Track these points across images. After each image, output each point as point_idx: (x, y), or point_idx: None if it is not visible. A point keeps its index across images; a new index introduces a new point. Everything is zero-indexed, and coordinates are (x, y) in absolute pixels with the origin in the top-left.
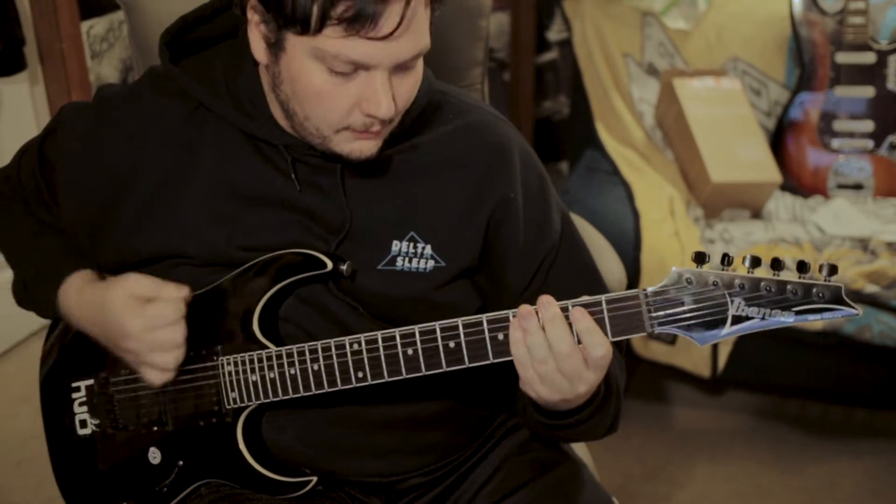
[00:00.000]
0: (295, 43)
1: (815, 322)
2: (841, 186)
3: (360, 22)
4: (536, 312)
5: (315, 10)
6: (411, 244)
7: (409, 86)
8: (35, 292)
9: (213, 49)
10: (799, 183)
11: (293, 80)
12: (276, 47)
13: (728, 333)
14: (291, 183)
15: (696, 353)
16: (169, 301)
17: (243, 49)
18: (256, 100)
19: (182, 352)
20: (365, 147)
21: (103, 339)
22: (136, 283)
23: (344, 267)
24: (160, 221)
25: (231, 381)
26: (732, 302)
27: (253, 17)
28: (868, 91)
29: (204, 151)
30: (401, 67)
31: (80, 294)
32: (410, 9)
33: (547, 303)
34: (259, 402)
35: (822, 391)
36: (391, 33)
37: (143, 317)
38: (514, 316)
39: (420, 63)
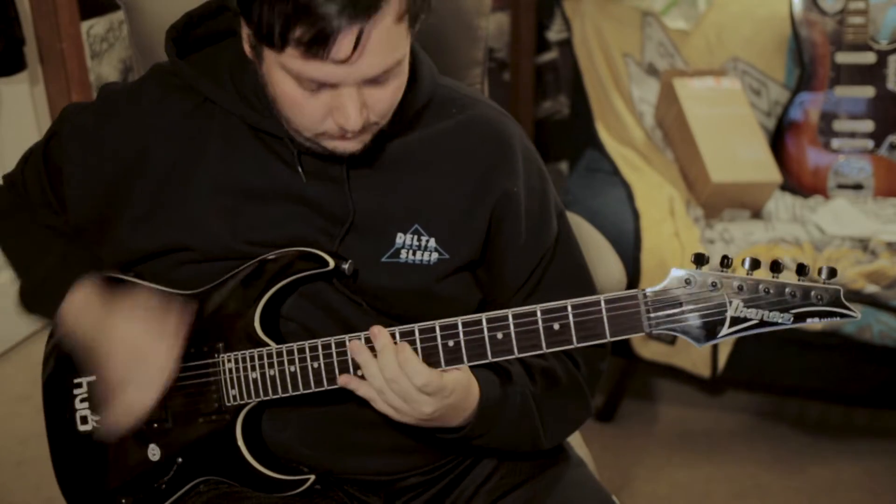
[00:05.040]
0: (268, 54)
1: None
2: (841, 186)
3: (316, 46)
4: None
5: (276, 30)
6: (415, 237)
7: (386, 95)
8: (46, 295)
9: (219, 45)
10: (799, 183)
11: (272, 86)
12: (256, 53)
13: (726, 335)
14: (297, 175)
15: (695, 353)
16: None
17: None
18: (261, 94)
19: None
20: (348, 146)
21: (95, 348)
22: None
23: (346, 266)
24: (166, 215)
25: (231, 379)
26: (731, 303)
27: (241, 23)
28: (868, 91)
29: (209, 145)
30: (373, 81)
31: (89, 300)
32: (368, 30)
33: (378, 333)
34: (259, 399)
35: (822, 391)
36: (347, 58)
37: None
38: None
39: (400, 73)
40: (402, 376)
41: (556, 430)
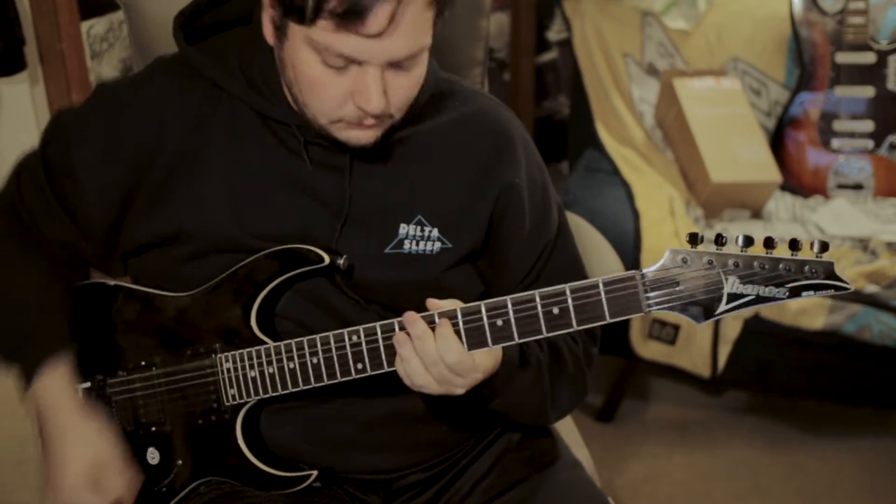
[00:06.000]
0: (295, 31)
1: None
2: (841, 186)
3: (350, 18)
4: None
5: (310, 1)
6: (418, 227)
7: (406, 84)
8: (12, 359)
9: (227, 33)
10: (799, 183)
11: (293, 65)
12: (280, 32)
13: (723, 312)
14: (303, 164)
15: (695, 353)
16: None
17: (258, 33)
18: (271, 82)
19: None
20: (362, 135)
21: (46, 447)
22: (102, 459)
23: (340, 261)
24: (173, 202)
25: (230, 378)
26: (727, 280)
27: (262, 3)
28: (868, 91)
29: (216, 132)
30: (396, 65)
31: (58, 407)
32: (402, 8)
33: (413, 320)
34: (258, 397)
35: (823, 391)
36: (380, 32)
37: (79, 487)
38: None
39: (421, 63)
40: (440, 361)
41: (561, 404)
